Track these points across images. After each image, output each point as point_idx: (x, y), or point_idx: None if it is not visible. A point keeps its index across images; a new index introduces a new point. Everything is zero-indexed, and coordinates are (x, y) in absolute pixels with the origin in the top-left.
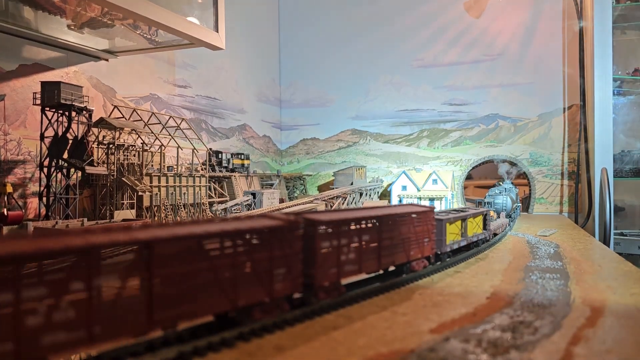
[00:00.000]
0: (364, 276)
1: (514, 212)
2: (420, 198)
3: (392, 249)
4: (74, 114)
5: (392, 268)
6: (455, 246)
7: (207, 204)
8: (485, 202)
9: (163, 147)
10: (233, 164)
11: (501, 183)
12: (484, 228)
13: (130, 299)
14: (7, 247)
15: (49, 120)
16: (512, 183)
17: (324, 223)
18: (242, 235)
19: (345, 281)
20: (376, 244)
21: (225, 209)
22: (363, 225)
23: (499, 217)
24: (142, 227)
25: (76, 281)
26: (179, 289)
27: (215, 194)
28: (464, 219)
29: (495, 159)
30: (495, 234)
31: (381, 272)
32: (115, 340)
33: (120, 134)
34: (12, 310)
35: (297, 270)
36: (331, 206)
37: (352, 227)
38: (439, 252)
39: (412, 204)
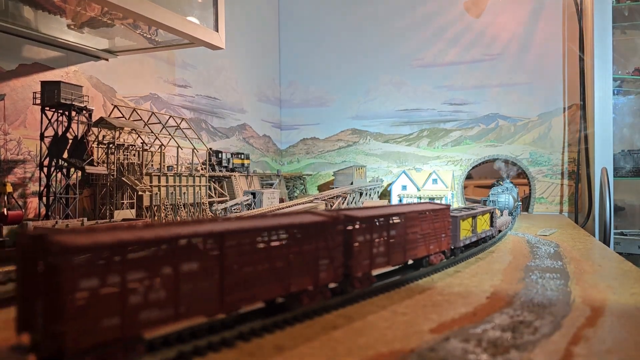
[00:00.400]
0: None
1: (515, 210)
2: (420, 198)
3: (415, 243)
4: (73, 113)
5: (411, 262)
6: (467, 242)
7: (207, 204)
8: (490, 201)
9: (163, 147)
10: (233, 163)
11: (502, 182)
12: (491, 225)
13: (206, 284)
14: (114, 235)
15: (49, 120)
16: (511, 182)
17: (360, 219)
18: (295, 229)
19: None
20: (402, 239)
21: (225, 209)
22: (391, 222)
23: (502, 214)
24: (212, 221)
25: (165, 266)
26: (243, 276)
27: (215, 193)
28: (474, 216)
29: (497, 162)
30: (499, 231)
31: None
32: (194, 318)
33: (120, 133)
34: (119, 290)
35: (339, 261)
36: (331, 206)
37: (382, 222)
38: (453, 247)
39: (429, 202)
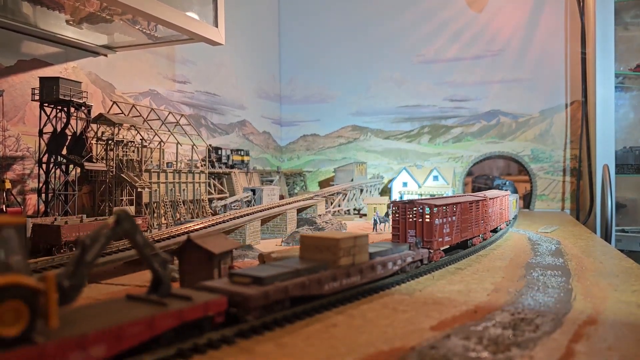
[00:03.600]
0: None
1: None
2: (420, 194)
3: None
4: (72, 109)
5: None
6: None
7: (207, 201)
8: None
9: (162, 143)
10: (233, 160)
11: (499, 176)
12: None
13: (455, 226)
14: (446, 200)
15: (48, 116)
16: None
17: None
18: (473, 203)
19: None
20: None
21: (224, 206)
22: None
23: None
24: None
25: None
26: (462, 226)
27: (214, 190)
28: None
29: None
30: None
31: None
32: (450, 244)
33: (119, 130)
34: (446, 224)
35: (486, 224)
36: (331, 203)
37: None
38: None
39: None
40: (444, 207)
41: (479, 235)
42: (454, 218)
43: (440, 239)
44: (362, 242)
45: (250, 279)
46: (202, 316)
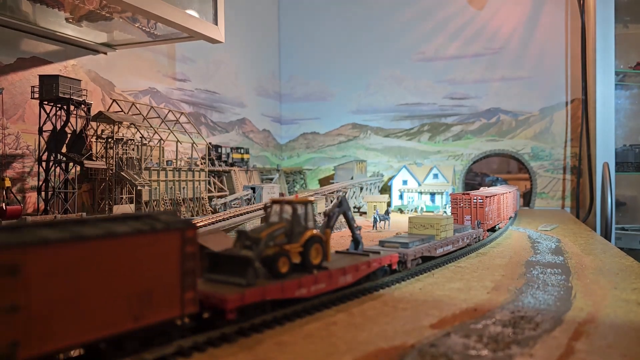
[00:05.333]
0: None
1: None
2: (421, 192)
3: (495, 214)
4: (72, 107)
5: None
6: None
7: (207, 199)
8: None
9: (162, 141)
10: (232, 158)
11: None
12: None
13: (494, 213)
14: (491, 192)
15: (47, 114)
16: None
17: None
18: (502, 195)
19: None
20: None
21: (224, 204)
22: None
23: None
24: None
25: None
26: (497, 212)
27: (214, 188)
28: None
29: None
30: None
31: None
32: (491, 227)
33: (119, 128)
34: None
35: (507, 213)
36: (331, 201)
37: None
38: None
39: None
40: (492, 198)
41: (502, 221)
42: (494, 207)
43: (490, 222)
44: (450, 222)
45: (398, 244)
46: (388, 263)
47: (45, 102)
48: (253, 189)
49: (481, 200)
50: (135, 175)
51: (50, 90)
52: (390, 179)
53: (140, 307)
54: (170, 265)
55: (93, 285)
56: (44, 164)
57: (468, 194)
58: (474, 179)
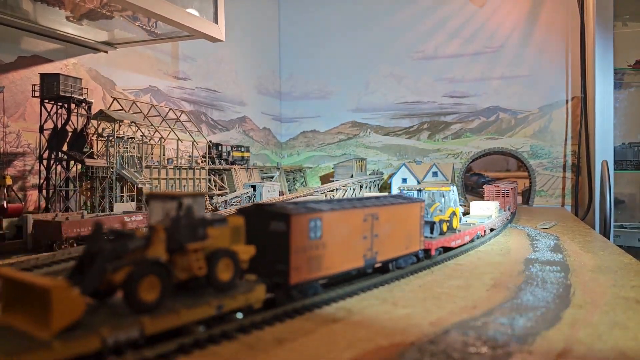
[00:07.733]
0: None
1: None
2: (420, 190)
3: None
4: (73, 106)
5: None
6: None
7: (207, 197)
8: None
9: (163, 140)
10: (233, 156)
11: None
12: None
13: (513, 201)
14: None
15: (48, 113)
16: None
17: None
18: (514, 188)
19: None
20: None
21: (225, 202)
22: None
23: None
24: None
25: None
26: (513, 202)
27: (215, 186)
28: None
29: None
30: None
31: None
32: (512, 211)
33: (119, 126)
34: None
35: (514, 203)
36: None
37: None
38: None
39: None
40: (513, 189)
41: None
42: (513, 196)
43: (512, 206)
44: (497, 206)
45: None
46: (483, 230)
47: (46, 101)
48: (253, 187)
49: (507, 191)
50: (136, 174)
51: (51, 89)
52: (390, 176)
53: (408, 243)
54: (416, 220)
55: (397, 229)
56: (44, 162)
57: (498, 186)
58: (469, 178)
